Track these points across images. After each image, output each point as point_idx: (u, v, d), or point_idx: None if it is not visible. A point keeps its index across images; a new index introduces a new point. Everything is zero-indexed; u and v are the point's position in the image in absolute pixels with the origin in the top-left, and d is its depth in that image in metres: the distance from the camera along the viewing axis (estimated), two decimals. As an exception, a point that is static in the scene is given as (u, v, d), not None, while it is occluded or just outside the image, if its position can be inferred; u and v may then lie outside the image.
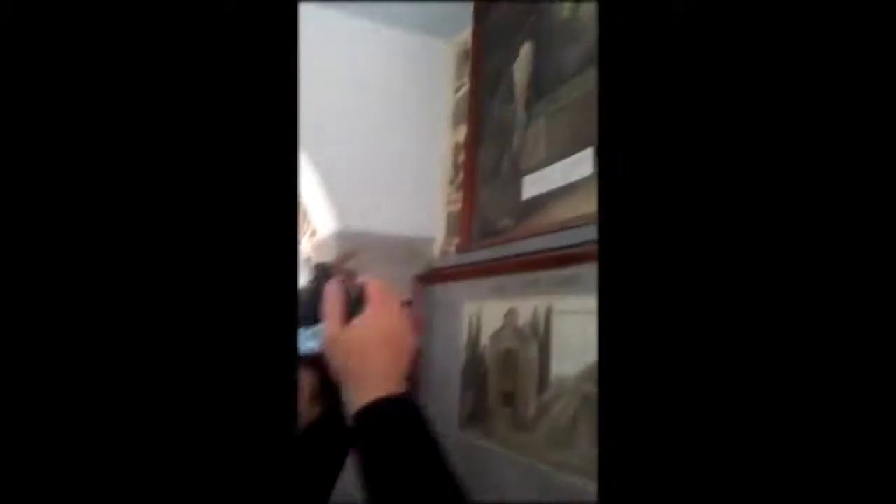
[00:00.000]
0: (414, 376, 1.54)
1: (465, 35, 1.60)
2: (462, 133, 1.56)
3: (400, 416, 0.54)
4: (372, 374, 0.56)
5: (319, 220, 1.72)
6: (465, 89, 1.58)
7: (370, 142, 1.62)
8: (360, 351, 0.57)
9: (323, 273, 0.63)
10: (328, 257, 1.60)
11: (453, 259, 1.46)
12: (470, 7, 1.54)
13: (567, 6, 1.14)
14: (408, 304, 0.65)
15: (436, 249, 1.65)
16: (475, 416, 1.24)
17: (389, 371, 0.57)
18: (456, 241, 1.53)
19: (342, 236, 1.57)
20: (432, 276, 1.52)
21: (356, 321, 0.59)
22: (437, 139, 1.70)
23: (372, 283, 0.61)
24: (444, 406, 1.37)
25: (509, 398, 1.12)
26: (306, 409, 0.63)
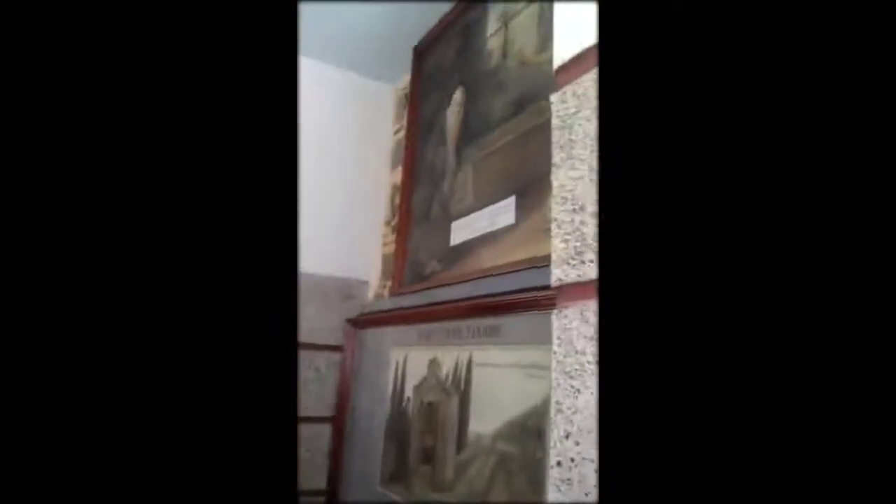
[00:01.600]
0: (338, 426, 1.47)
1: (408, 79, 1.59)
2: (398, 176, 1.54)
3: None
4: None
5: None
6: (403, 132, 1.57)
7: (310, 180, 1.58)
8: None
9: None
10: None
11: (385, 303, 1.41)
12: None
13: (496, 53, 1.14)
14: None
15: (370, 292, 1.60)
16: (397, 472, 1.17)
17: None
18: (389, 283, 1.48)
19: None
20: (363, 321, 1.47)
21: None
22: (376, 180, 1.68)
23: None
24: (368, 459, 1.30)
25: (429, 455, 1.07)
26: None
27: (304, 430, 1.46)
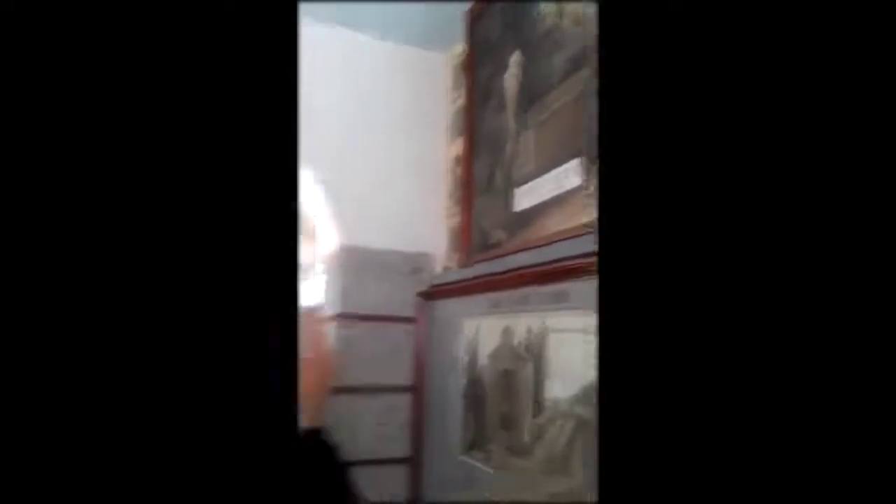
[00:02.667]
0: (417, 396, 1.51)
1: (461, 47, 1.57)
2: (461, 145, 1.53)
3: (308, 452, 0.50)
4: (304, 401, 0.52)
5: (325, 235, 1.71)
6: (461, 101, 1.56)
7: (372, 156, 1.60)
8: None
9: None
10: (333, 274, 1.59)
11: (453, 274, 1.42)
12: (463, 18, 1.51)
13: (550, 14, 1.10)
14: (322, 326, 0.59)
15: (437, 265, 1.62)
16: (476, 439, 1.20)
17: (303, 399, 0.53)
18: (457, 255, 1.49)
19: (346, 251, 1.55)
20: (434, 293, 1.49)
21: None
22: (437, 152, 1.68)
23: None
24: (447, 428, 1.33)
25: (507, 421, 1.08)
26: None
27: (383, 401, 1.51)
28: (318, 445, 0.50)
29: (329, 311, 1.55)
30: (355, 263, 1.54)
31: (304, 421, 0.49)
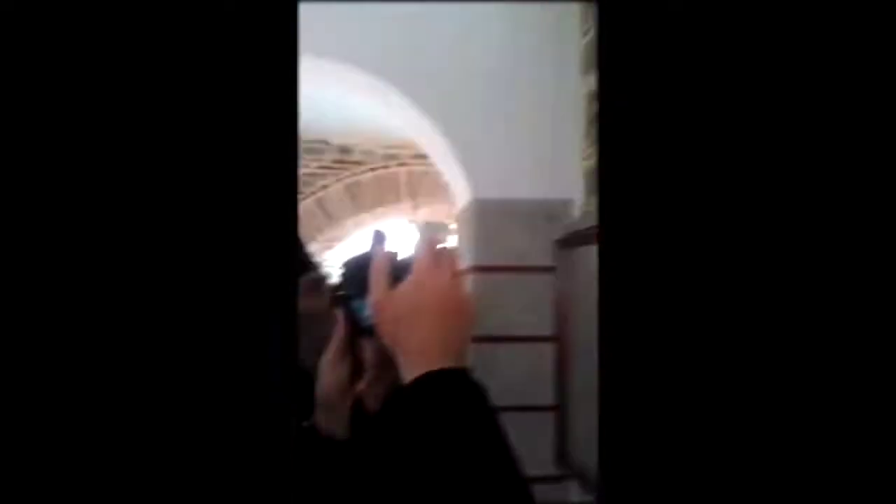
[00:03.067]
0: (561, 346, 1.48)
1: (588, -29, 1.45)
2: (593, 81, 1.43)
3: (453, 393, 0.47)
4: (423, 343, 0.49)
5: (456, 189, 1.71)
6: (592, 32, 1.44)
7: (498, 102, 1.55)
8: (409, 317, 0.50)
9: (379, 240, 0.57)
10: (468, 227, 1.59)
11: (592, 219, 1.35)
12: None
13: None
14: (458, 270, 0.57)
15: (575, 210, 1.54)
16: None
17: (445, 340, 0.50)
18: (594, 199, 1.41)
19: (478, 205, 1.55)
20: (571, 239, 1.43)
21: (402, 284, 0.52)
22: (568, 90, 1.58)
23: (420, 244, 0.53)
24: (590, 375, 1.29)
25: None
26: (372, 383, 0.59)
27: (525, 350, 1.50)
28: (468, 386, 0.48)
29: (465, 264, 1.56)
30: (489, 215, 1.53)
31: (448, 364, 0.48)
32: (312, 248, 3.88)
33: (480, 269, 1.52)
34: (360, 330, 0.58)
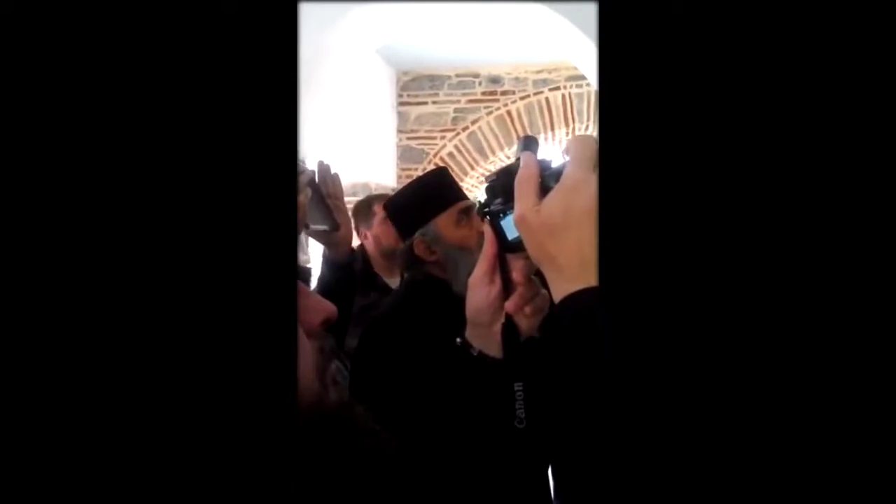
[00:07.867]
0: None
1: None
2: None
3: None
4: (573, 257, 0.43)
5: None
6: None
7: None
8: (558, 229, 0.44)
9: (528, 145, 0.52)
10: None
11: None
12: None
13: None
14: None
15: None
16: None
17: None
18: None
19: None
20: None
21: (550, 194, 0.45)
22: None
23: (572, 146, 0.46)
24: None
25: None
26: (522, 302, 0.56)
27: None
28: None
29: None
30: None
31: (588, 278, 0.43)
32: (465, 183, 3.93)
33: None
34: (507, 246, 0.54)
